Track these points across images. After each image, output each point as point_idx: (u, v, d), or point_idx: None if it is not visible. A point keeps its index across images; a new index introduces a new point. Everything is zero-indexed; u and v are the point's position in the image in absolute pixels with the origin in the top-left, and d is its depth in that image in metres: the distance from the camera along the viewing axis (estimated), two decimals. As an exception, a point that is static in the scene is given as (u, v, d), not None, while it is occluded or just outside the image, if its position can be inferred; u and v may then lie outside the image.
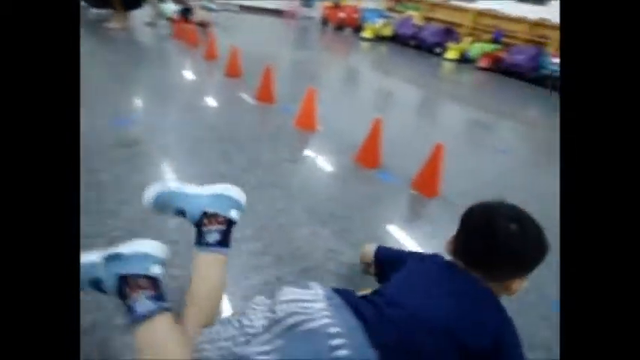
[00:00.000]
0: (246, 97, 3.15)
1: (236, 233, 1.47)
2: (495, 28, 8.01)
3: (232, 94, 3.26)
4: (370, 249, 1.24)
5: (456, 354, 0.73)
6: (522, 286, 0.85)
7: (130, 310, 0.76)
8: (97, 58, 3.75)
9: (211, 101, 3.00)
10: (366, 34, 8.24)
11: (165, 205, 0.95)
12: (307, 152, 2.40)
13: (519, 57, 6.86)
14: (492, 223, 0.82)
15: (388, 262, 1.08)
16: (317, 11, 9.93)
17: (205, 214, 0.93)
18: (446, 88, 5.57)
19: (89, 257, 0.81)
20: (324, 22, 9.25)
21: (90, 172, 1.73)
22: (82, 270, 0.79)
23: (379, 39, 8.41)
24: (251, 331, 0.76)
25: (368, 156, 2.28)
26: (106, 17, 5.03)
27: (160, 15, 5.48)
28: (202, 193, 0.97)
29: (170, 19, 5.47)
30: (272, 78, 3.07)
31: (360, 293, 0.85)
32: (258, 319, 0.77)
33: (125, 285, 0.78)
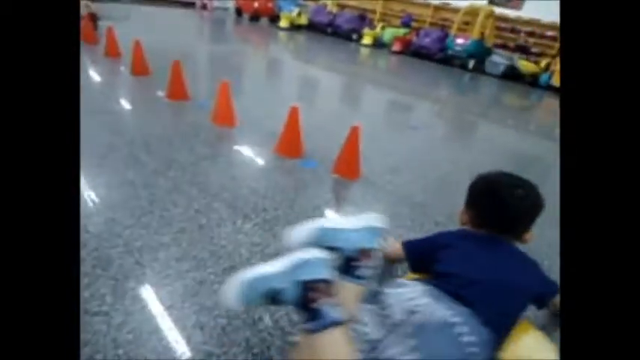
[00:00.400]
0: (157, 96, 2.96)
1: (151, 241, 1.40)
2: (404, 13, 8.43)
3: (141, 93, 3.04)
4: (395, 246, 1.20)
5: (529, 303, 0.93)
6: (532, 235, 1.04)
7: (317, 316, 0.74)
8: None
9: (118, 103, 2.76)
10: (283, 23, 8.18)
11: (319, 243, 0.91)
12: (226, 148, 2.33)
13: (427, 40, 7.32)
14: (500, 193, 0.99)
15: (423, 251, 1.09)
16: (230, 2, 9.59)
17: (361, 251, 0.92)
18: (363, 72, 5.76)
19: (264, 269, 0.81)
20: (239, 12, 8.98)
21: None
22: (257, 284, 0.79)
23: (296, 28, 8.40)
24: (373, 337, 0.78)
25: (288, 146, 2.28)
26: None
27: None
28: (353, 227, 0.95)
29: None
30: (182, 73, 2.92)
31: (412, 279, 0.94)
32: (373, 326, 0.80)
33: (309, 291, 0.77)
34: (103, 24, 4.94)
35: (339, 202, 1.95)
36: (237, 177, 1.96)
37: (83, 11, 4.85)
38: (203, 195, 1.76)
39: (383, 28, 7.97)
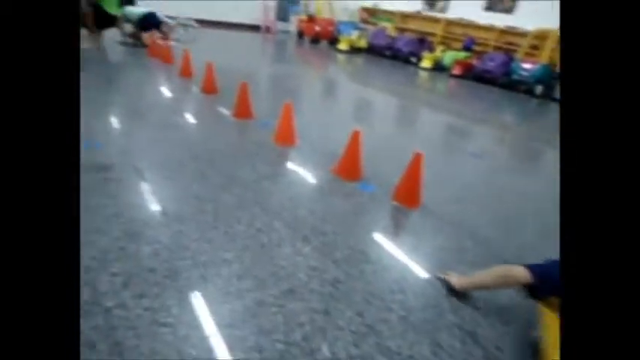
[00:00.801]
0: (224, 114, 3.12)
1: (216, 257, 1.44)
2: (465, 36, 8.25)
3: (209, 111, 3.22)
4: (521, 273, 1.22)
5: None
6: None
7: None
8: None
9: (188, 119, 2.95)
10: (342, 46, 8.35)
11: None
12: (287, 167, 2.38)
13: (490, 64, 7.06)
14: None
15: (554, 276, 1.13)
16: (293, 25, 10.02)
17: None
18: (422, 96, 5.67)
19: None
20: (300, 35, 9.33)
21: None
22: None
23: (354, 50, 8.53)
24: None
25: (348, 168, 2.28)
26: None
27: (130, 31, 5.40)
28: None
29: (134, 37, 5.41)
30: (248, 93, 3.06)
31: None
32: None
33: None
34: (177, 45, 5.37)
35: (398, 230, 1.89)
36: (296, 197, 1.98)
37: (159, 34, 5.32)
38: (265, 213, 1.80)
39: (443, 51, 7.85)
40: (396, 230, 1.88)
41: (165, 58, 4.64)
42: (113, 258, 1.38)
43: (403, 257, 1.62)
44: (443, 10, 8.74)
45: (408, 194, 2.07)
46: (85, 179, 1.84)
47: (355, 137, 2.22)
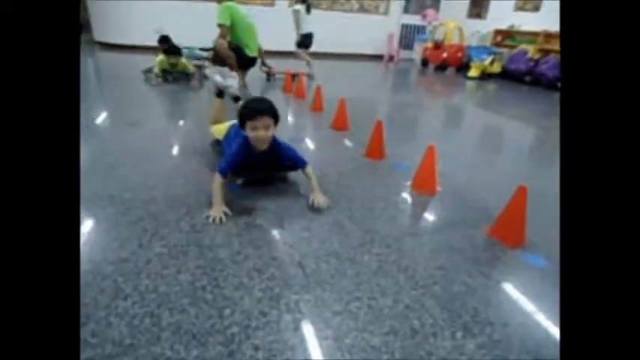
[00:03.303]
0: (355, 154, 3.00)
1: (361, 340, 1.23)
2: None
3: (341, 150, 3.14)
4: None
5: None
6: None
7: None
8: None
9: (322, 161, 2.89)
10: (473, 72, 7.74)
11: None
12: (431, 223, 2.09)
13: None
14: None
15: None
16: (416, 53, 9.76)
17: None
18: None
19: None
20: (424, 63, 9.01)
21: (208, 248, 1.68)
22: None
23: (485, 77, 7.82)
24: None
25: (508, 232, 1.88)
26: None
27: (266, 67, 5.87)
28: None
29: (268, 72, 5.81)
30: (383, 133, 2.89)
31: None
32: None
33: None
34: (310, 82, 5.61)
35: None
36: (447, 266, 1.68)
37: (302, 69, 5.62)
38: (411, 284, 1.54)
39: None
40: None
41: (299, 92, 4.85)
42: (255, 326, 1.28)
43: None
44: (601, 27, 7.44)
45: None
46: (229, 223, 1.86)
47: (521, 195, 1.82)
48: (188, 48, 5.92)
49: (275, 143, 2.12)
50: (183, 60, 5.15)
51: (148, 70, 5.28)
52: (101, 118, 3.51)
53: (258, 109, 1.96)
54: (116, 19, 7.28)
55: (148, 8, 7.43)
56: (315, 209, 2.03)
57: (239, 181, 2.27)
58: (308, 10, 6.38)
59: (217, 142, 2.71)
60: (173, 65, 5.03)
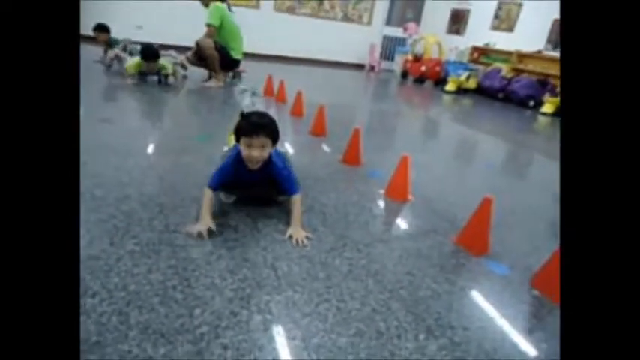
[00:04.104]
0: (332, 160, 3.06)
1: (328, 341, 1.27)
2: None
3: (319, 156, 3.19)
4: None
5: None
6: None
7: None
8: (194, 118, 4.02)
9: (300, 165, 2.92)
10: (449, 87, 7.99)
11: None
12: (402, 230, 2.16)
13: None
14: None
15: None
16: (397, 64, 9.99)
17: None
18: (547, 146, 5.00)
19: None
20: (404, 75, 9.23)
21: (181, 248, 1.68)
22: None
23: (461, 91, 8.10)
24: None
25: (474, 240, 1.97)
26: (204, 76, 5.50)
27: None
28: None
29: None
30: (360, 141, 2.96)
31: None
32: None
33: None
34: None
35: (538, 329, 1.51)
36: (414, 272, 1.74)
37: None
38: (379, 288, 1.59)
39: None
40: (536, 328, 1.51)
41: (279, 97, 4.88)
42: (225, 326, 1.30)
43: (559, 379, 1.26)
44: (570, 50, 7.86)
45: (552, 280, 1.68)
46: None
47: (486, 205, 1.92)
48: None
49: (270, 163, 1.92)
50: (161, 61, 4.88)
51: (100, 60, 5.45)
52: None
53: (255, 126, 1.77)
54: (98, 13, 7.12)
55: (129, 3, 7.30)
56: (293, 244, 1.83)
57: (228, 199, 2.11)
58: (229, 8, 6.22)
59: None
60: (150, 68, 4.78)
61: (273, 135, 1.85)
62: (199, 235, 1.76)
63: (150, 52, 4.63)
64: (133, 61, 4.74)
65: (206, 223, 1.80)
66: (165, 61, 4.95)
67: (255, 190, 2.10)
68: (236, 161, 1.90)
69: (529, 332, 1.47)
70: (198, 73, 5.52)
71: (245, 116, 1.84)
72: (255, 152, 1.80)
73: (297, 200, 1.96)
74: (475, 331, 1.43)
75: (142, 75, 4.82)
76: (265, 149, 1.83)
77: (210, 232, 1.79)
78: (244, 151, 1.82)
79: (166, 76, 4.89)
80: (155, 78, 4.91)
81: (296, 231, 1.87)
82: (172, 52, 5.73)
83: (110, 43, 5.47)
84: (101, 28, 5.39)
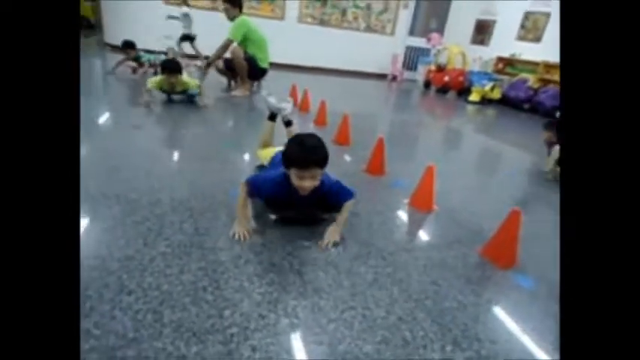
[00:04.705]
0: (356, 169, 3.08)
1: (355, 348, 1.28)
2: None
3: (343, 166, 3.22)
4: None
5: None
6: None
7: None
8: (221, 126, 4.14)
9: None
10: (473, 97, 7.91)
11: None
12: (426, 240, 2.15)
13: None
14: None
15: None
16: (419, 74, 9.97)
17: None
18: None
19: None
20: (427, 85, 9.19)
21: (210, 251, 1.73)
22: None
23: (485, 102, 7.99)
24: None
25: (500, 253, 1.94)
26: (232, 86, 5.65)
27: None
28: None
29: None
30: (384, 150, 2.97)
31: None
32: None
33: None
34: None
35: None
36: (439, 282, 1.74)
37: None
38: (404, 298, 1.60)
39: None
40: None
41: (304, 106, 4.96)
42: (253, 328, 1.33)
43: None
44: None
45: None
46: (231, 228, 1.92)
47: (514, 217, 1.90)
48: (148, 51, 5.80)
49: (320, 185, 1.82)
50: (185, 78, 4.37)
51: (114, 69, 5.53)
52: (104, 118, 3.58)
53: (310, 159, 1.68)
54: (127, 22, 7.44)
55: (159, 12, 7.59)
56: (323, 247, 1.86)
57: (272, 217, 2.09)
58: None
59: (262, 167, 2.60)
60: (171, 85, 4.29)
61: (326, 163, 1.76)
62: (239, 236, 1.83)
63: (171, 64, 4.26)
64: (155, 78, 4.35)
65: (243, 224, 1.87)
66: (191, 78, 4.52)
67: (304, 210, 2.04)
68: (282, 183, 1.81)
69: (556, 348, 1.44)
70: (217, 80, 5.68)
71: (297, 142, 1.73)
72: (308, 183, 1.72)
73: (349, 205, 1.97)
74: (502, 344, 1.41)
75: (165, 93, 4.44)
76: (317, 177, 1.75)
77: (249, 232, 1.87)
78: (296, 182, 1.72)
79: (192, 96, 4.46)
80: (179, 97, 4.52)
81: (332, 232, 1.89)
82: (198, 62, 5.91)
83: (136, 58, 5.54)
84: (127, 45, 5.50)
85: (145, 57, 5.66)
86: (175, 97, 4.49)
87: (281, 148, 2.02)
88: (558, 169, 3.48)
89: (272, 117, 2.76)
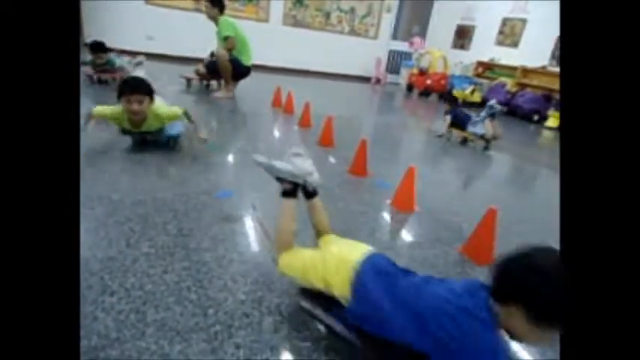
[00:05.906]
0: (340, 170, 3.12)
1: (337, 343, 1.29)
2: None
3: (326, 166, 3.26)
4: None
5: None
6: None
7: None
8: (207, 127, 4.12)
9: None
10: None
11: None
12: (407, 239, 2.20)
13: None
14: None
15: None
16: (402, 78, 10.13)
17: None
18: (551, 159, 5.04)
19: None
20: (409, 88, 9.35)
21: (194, 251, 1.73)
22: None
23: (466, 105, 8.18)
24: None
25: (478, 250, 2.01)
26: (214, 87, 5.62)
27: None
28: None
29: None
30: (366, 152, 3.02)
31: None
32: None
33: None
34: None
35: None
36: (420, 278, 1.78)
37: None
38: (386, 294, 1.64)
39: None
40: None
41: (287, 108, 4.98)
42: (237, 326, 1.35)
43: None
44: (574, 66, 7.94)
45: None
46: (215, 229, 1.92)
47: (491, 215, 1.97)
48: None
49: None
50: (160, 105, 2.77)
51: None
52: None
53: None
54: (108, 22, 7.31)
55: (139, 13, 7.49)
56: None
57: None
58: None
59: (306, 292, 1.37)
60: (136, 119, 2.68)
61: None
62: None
63: (96, 45, 3.61)
64: (105, 108, 2.69)
65: None
66: (169, 106, 2.88)
67: None
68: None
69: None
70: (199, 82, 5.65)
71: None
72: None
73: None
74: (480, 337, 1.46)
75: (127, 135, 2.84)
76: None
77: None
78: None
79: (175, 138, 2.95)
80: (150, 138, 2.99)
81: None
82: (140, 57, 5.02)
83: (108, 63, 4.74)
84: (97, 47, 4.63)
85: (118, 62, 4.85)
86: (149, 137, 2.92)
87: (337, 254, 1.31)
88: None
89: (292, 192, 1.56)
